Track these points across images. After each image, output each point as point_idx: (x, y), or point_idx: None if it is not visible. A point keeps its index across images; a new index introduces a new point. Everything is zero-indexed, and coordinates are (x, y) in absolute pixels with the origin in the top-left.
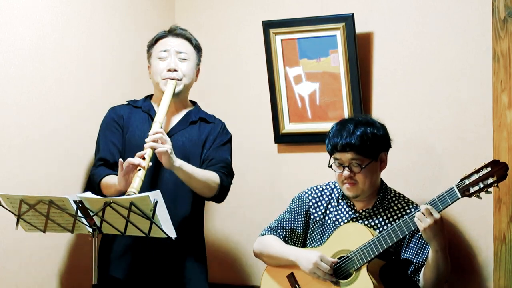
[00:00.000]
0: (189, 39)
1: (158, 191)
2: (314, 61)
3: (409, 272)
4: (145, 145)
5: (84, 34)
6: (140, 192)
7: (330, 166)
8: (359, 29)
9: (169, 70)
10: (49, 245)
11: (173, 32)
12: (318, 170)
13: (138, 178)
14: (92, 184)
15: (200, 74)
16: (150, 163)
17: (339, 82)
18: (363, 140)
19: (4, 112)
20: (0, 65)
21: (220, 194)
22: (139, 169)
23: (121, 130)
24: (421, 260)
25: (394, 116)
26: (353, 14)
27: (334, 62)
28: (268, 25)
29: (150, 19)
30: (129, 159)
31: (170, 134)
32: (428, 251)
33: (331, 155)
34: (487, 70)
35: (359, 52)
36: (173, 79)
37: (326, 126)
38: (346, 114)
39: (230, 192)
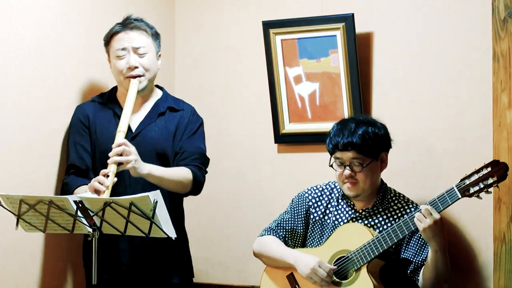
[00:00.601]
0: (145, 30)
1: (158, 191)
2: (314, 61)
3: (408, 272)
4: (108, 161)
5: (84, 34)
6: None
7: (331, 166)
8: (359, 29)
9: (130, 68)
10: (49, 245)
11: (127, 25)
12: (318, 170)
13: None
14: (66, 193)
15: (200, 74)
16: (115, 179)
17: (339, 82)
18: (364, 139)
19: (4, 112)
20: (0, 65)
21: (195, 189)
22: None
23: (88, 130)
24: (420, 260)
25: (394, 116)
26: (353, 14)
27: (334, 62)
28: (268, 25)
29: (150, 19)
30: (93, 184)
31: (139, 128)
32: (428, 251)
33: (332, 154)
34: (487, 70)
35: (359, 52)
36: (135, 77)
37: (326, 126)
38: (346, 114)
39: (230, 192)
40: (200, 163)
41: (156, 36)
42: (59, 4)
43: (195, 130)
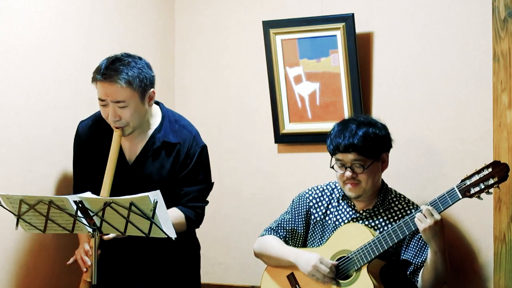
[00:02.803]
0: (123, 82)
1: (158, 191)
2: (314, 61)
3: (408, 272)
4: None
5: (84, 34)
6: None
7: (332, 167)
8: (359, 29)
9: (112, 120)
10: (49, 245)
11: (106, 76)
12: (318, 170)
13: (85, 284)
14: None
15: (200, 74)
16: (99, 251)
17: (339, 82)
18: (365, 141)
19: (4, 112)
20: (0, 65)
21: (191, 228)
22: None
23: (87, 154)
24: (420, 261)
25: (394, 116)
26: (353, 14)
27: (334, 62)
28: (268, 25)
29: (150, 19)
30: (78, 258)
31: (135, 164)
32: (428, 252)
33: (332, 156)
34: (487, 70)
35: (359, 52)
36: (118, 128)
37: (326, 126)
38: (346, 114)
39: (229, 192)
40: (196, 202)
41: (140, 81)
42: (59, 4)
43: (194, 163)
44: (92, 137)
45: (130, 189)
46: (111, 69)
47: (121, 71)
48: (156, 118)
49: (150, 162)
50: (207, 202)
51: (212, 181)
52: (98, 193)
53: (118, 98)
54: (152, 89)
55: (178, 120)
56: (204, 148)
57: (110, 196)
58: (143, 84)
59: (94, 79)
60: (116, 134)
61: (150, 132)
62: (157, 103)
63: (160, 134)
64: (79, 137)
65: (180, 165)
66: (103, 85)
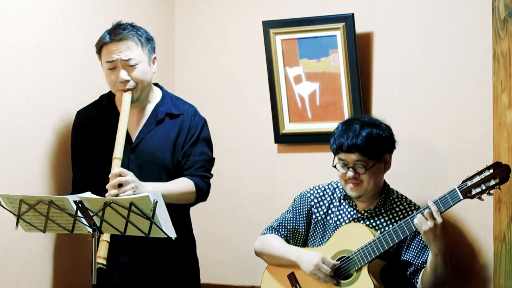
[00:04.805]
0: (133, 39)
1: (158, 191)
2: (314, 61)
3: (408, 273)
4: (106, 195)
5: (84, 34)
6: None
7: (335, 166)
8: (359, 29)
9: (121, 82)
10: (49, 245)
11: (115, 36)
12: (318, 170)
13: (104, 244)
14: None
15: (200, 74)
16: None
17: (339, 82)
18: (369, 142)
19: (4, 112)
20: (0, 65)
21: (199, 199)
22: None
23: (88, 140)
24: (420, 262)
25: (394, 117)
26: (353, 14)
27: (334, 62)
28: (268, 25)
29: (150, 19)
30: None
31: (139, 138)
32: (428, 253)
33: (335, 155)
34: (487, 70)
35: (359, 52)
36: (127, 90)
37: (326, 126)
38: (346, 114)
39: (230, 192)
40: (203, 171)
41: (147, 41)
42: (59, 4)
43: (198, 135)
44: (93, 121)
45: (137, 165)
46: (119, 28)
47: (129, 29)
48: (156, 94)
49: (154, 134)
50: (212, 175)
51: (214, 157)
52: (101, 181)
53: (129, 54)
54: (154, 54)
55: (178, 98)
56: (205, 121)
57: None
58: (150, 45)
59: (100, 45)
60: (126, 96)
61: (151, 106)
62: (156, 84)
63: (162, 107)
64: (80, 123)
65: (185, 137)
66: (113, 44)
